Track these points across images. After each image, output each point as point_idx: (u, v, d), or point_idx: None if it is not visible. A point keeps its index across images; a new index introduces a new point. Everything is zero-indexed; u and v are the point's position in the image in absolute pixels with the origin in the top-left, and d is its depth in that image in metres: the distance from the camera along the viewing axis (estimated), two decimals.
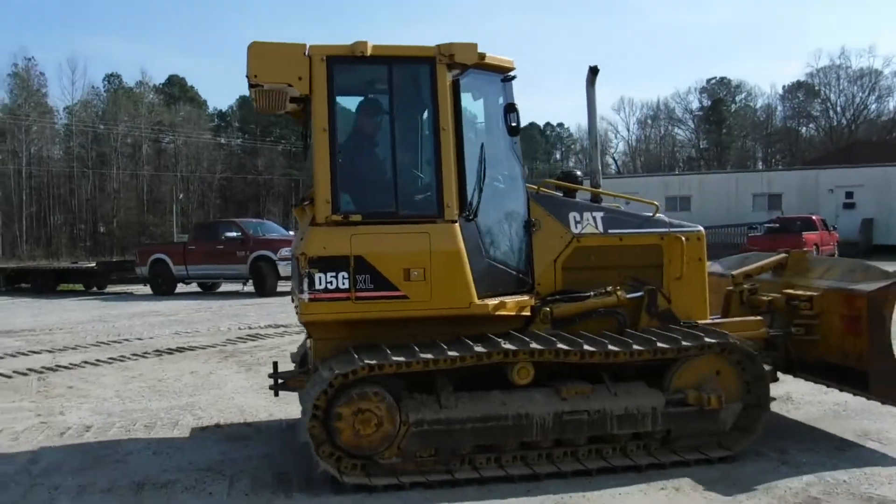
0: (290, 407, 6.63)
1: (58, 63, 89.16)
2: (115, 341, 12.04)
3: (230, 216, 55.46)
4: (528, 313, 5.33)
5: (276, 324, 13.71)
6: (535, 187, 5.82)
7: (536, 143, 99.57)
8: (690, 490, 4.70)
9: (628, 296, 5.60)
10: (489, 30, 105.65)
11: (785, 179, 39.51)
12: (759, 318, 5.97)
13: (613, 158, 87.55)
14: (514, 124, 5.32)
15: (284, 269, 19.06)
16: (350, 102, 5.28)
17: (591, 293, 5.52)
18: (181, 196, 70.60)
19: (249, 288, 20.99)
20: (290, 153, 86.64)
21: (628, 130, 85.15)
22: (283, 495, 4.75)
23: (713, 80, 77.38)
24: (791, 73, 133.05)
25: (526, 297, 5.31)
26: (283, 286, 19.91)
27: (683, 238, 5.74)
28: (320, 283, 4.81)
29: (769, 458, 5.25)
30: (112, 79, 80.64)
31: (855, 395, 5.70)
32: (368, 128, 5.27)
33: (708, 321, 5.77)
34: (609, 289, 5.55)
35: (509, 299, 5.18)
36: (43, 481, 5.10)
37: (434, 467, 4.88)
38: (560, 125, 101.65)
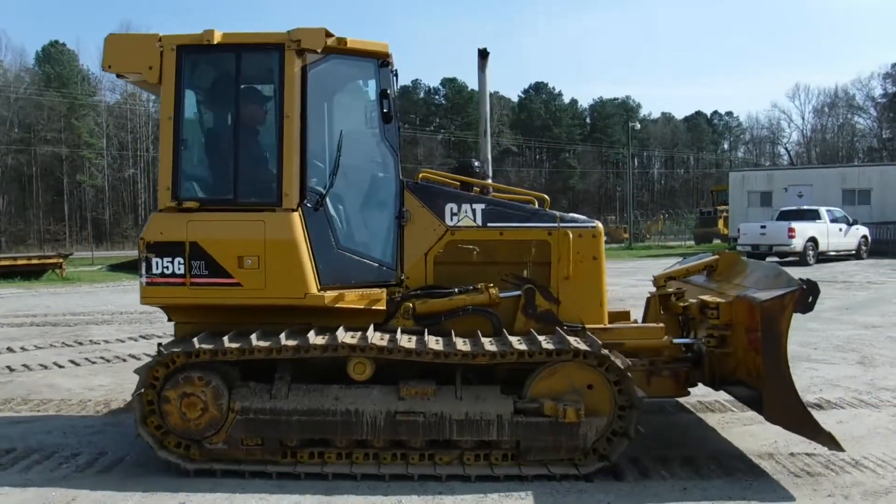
0: None
1: None
2: None
3: None
4: (382, 307, 5.15)
5: None
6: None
7: (703, 132, 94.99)
8: None
9: (502, 295, 5.26)
10: (654, 16, 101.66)
11: None
12: (659, 325, 5.42)
13: (786, 149, 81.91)
14: (386, 111, 5.15)
15: None
16: (201, 91, 5.31)
17: (456, 289, 5.23)
18: None
19: None
20: (450, 142, 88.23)
21: (803, 119, 79.55)
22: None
23: None
24: None
25: (377, 291, 5.13)
26: None
27: (572, 234, 5.30)
28: (157, 268, 4.91)
29: (628, 479, 4.75)
30: None
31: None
32: (214, 116, 5.31)
33: (601, 326, 5.31)
34: (480, 286, 5.24)
35: (352, 292, 5.04)
36: None
37: (262, 457, 4.85)
38: (728, 114, 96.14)
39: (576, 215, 5.53)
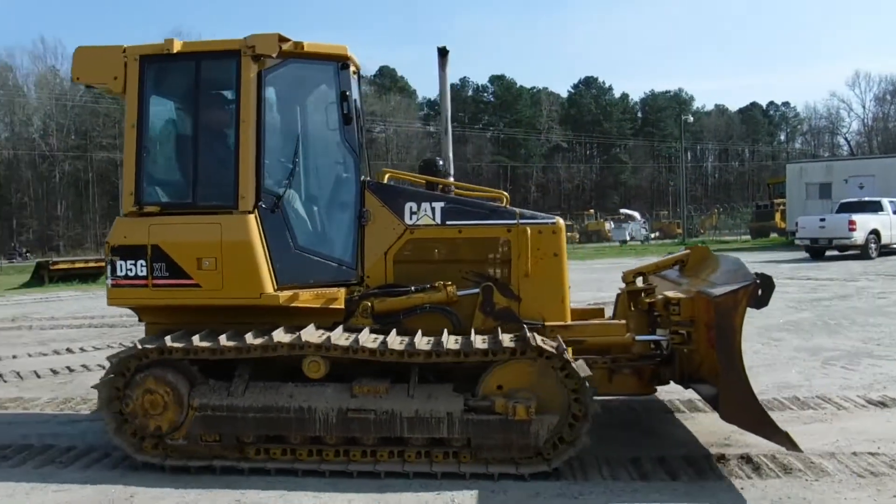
0: None
1: None
2: None
3: None
4: (340, 306, 5.23)
5: None
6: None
7: (758, 123, 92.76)
8: None
9: (461, 293, 5.29)
10: (706, 6, 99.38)
11: None
12: (621, 322, 5.36)
13: (846, 139, 79.35)
14: (346, 113, 5.24)
15: None
16: (163, 100, 5.46)
17: (412, 288, 5.28)
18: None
19: None
20: (499, 139, 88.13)
21: (863, 108, 76.73)
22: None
23: None
24: None
25: (334, 290, 5.21)
26: None
27: (531, 231, 5.29)
28: (121, 271, 5.09)
29: (569, 479, 4.68)
30: None
31: None
32: (175, 123, 5.45)
33: (562, 323, 5.28)
34: (438, 284, 5.28)
35: (308, 291, 5.13)
36: None
37: (221, 453, 4.98)
38: (785, 104, 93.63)
39: (534, 212, 5.52)
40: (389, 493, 4.53)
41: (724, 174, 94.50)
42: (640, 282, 5.83)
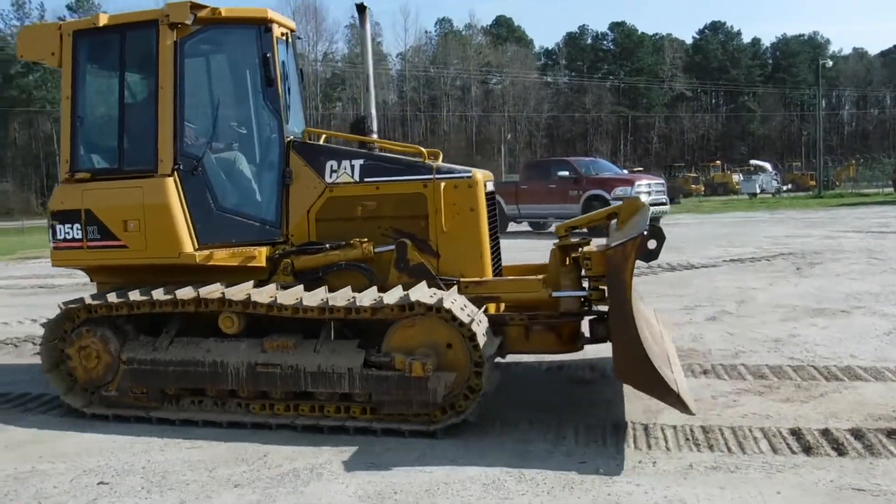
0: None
1: (391, 12, 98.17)
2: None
3: (557, 155, 55.99)
4: (260, 264, 5.39)
5: None
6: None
7: None
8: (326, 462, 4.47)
9: (378, 249, 5.32)
10: None
11: None
12: (538, 277, 5.22)
13: None
14: (268, 75, 5.35)
15: None
16: (93, 71, 5.73)
17: (328, 245, 5.36)
18: (509, 136, 73.14)
19: None
20: (619, 89, 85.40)
21: None
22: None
23: None
24: None
25: (252, 249, 5.37)
26: None
27: (445, 185, 5.23)
28: (60, 234, 5.47)
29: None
30: (443, 23, 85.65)
31: None
32: (105, 93, 5.72)
33: (477, 280, 5.22)
34: (354, 241, 5.32)
35: (224, 250, 5.31)
36: None
37: (148, 404, 5.29)
38: None
39: (453, 166, 5.43)
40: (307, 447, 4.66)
41: (862, 123, 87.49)
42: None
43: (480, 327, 4.70)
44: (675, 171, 54.62)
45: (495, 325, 5.03)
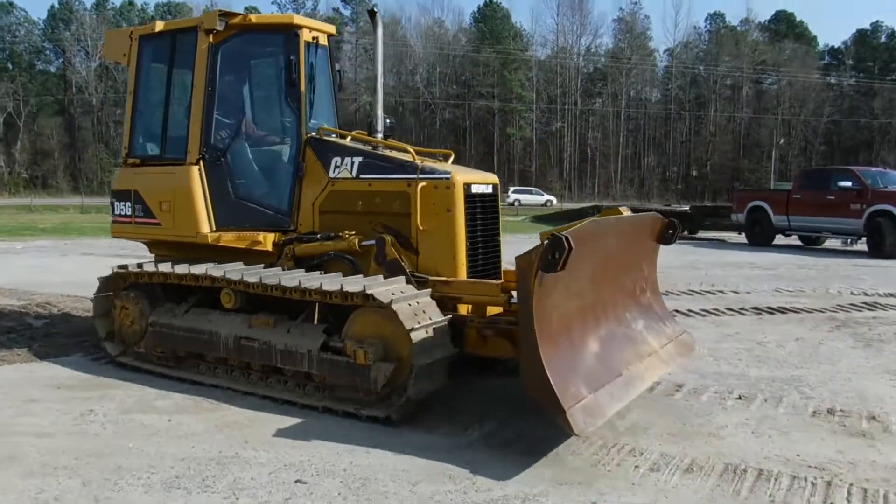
0: None
1: (661, 4, 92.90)
2: (707, 291, 10.98)
3: (835, 163, 51.80)
4: (266, 248, 5.91)
5: None
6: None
7: None
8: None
9: (364, 243, 5.60)
10: None
11: None
12: (496, 282, 5.19)
13: None
14: (293, 77, 5.86)
15: None
16: (151, 71, 6.53)
17: (320, 235, 5.73)
18: (781, 141, 68.26)
19: (860, 246, 18.18)
20: None
21: None
22: None
23: None
24: None
25: (259, 234, 5.90)
26: None
27: (424, 185, 5.38)
28: (117, 210, 6.42)
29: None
30: (716, 18, 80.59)
31: None
32: (155, 90, 6.50)
33: (444, 279, 5.31)
34: (343, 234, 5.65)
35: (233, 234, 5.89)
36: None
37: (164, 362, 6.02)
38: None
39: (436, 166, 5.54)
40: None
41: None
42: None
43: (417, 333, 4.74)
44: None
45: (456, 326, 5.10)
